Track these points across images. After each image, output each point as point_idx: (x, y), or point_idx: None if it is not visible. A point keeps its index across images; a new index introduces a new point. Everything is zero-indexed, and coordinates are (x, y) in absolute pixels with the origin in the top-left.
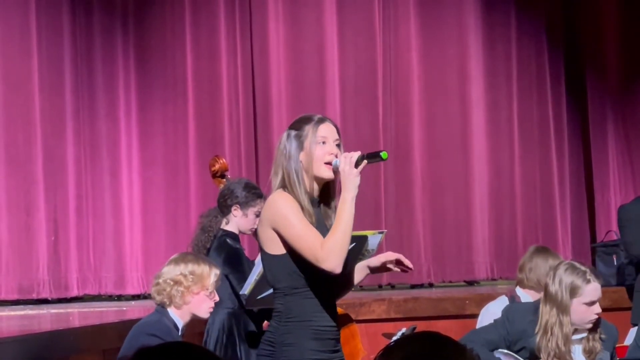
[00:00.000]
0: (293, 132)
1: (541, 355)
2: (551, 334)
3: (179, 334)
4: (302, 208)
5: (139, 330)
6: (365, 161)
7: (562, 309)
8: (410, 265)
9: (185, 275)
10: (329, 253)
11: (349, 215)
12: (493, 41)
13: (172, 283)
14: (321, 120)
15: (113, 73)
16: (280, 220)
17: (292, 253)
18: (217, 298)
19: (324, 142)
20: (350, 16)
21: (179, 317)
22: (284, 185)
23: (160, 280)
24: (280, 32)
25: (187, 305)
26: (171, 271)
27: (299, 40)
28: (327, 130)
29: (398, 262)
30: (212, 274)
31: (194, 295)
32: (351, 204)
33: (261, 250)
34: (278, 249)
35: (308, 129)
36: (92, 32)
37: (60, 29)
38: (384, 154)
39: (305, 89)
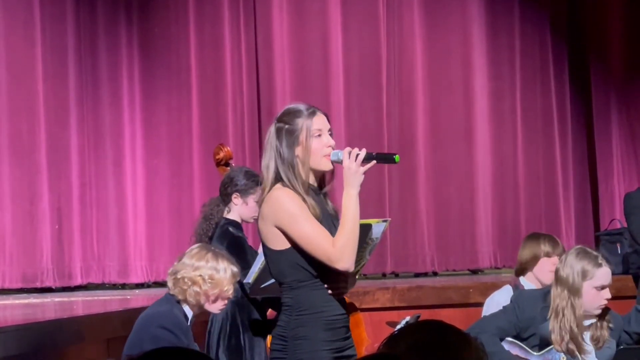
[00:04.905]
0: (284, 126)
1: (553, 339)
2: (563, 315)
3: (189, 324)
4: (305, 201)
5: (149, 320)
6: (374, 161)
7: (574, 291)
8: None
9: (204, 279)
10: (341, 253)
11: (355, 211)
12: (497, 31)
13: (189, 283)
14: (313, 112)
15: (117, 62)
16: (285, 218)
17: (298, 247)
18: (231, 296)
19: (319, 135)
20: (354, 5)
21: (190, 309)
22: (278, 179)
23: (179, 276)
24: (284, 21)
25: (200, 304)
26: (191, 268)
27: (303, 30)
28: (320, 122)
29: None
30: (230, 276)
31: (209, 298)
32: (356, 200)
33: (263, 245)
34: (281, 244)
35: (301, 122)
36: (96, 20)
37: (64, 18)
38: (396, 158)
39: (310, 78)
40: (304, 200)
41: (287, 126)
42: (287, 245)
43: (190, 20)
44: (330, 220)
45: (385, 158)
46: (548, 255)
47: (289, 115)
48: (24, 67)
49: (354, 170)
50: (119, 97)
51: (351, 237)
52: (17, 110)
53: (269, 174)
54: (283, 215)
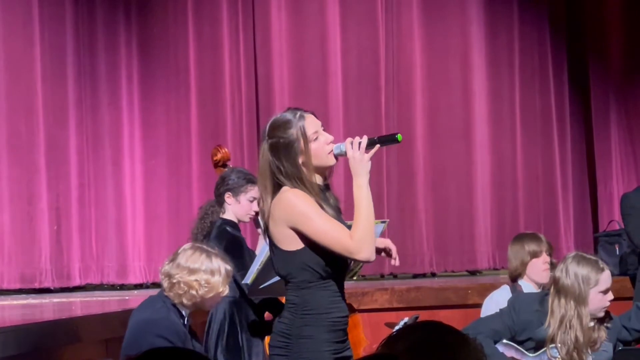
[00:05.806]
0: (279, 140)
1: (558, 348)
2: (570, 327)
3: (185, 323)
4: (321, 206)
5: (146, 327)
6: (377, 145)
7: (581, 300)
8: (395, 263)
9: (200, 284)
10: (360, 244)
11: (368, 201)
12: (496, 30)
13: (185, 288)
14: (302, 117)
15: (115, 62)
16: (299, 217)
17: (312, 247)
18: (226, 292)
19: (316, 138)
20: (352, 5)
21: (186, 308)
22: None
23: (174, 280)
24: (282, 21)
25: (196, 306)
26: (186, 272)
27: (302, 30)
28: (313, 124)
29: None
30: (225, 276)
31: (205, 301)
32: (367, 190)
33: (274, 246)
34: (293, 245)
35: (295, 131)
36: (95, 21)
37: (63, 18)
38: (399, 137)
39: (308, 78)
40: (320, 206)
41: (282, 140)
42: (300, 246)
43: (189, 21)
44: (337, 216)
45: (387, 140)
46: (535, 255)
47: (280, 129)
48: (23, 67)
49: (359, 158)
50: (118, 97)
51: (368, 227)
52: (15, 110)
53: (267, 195)
54: (296, 215)
